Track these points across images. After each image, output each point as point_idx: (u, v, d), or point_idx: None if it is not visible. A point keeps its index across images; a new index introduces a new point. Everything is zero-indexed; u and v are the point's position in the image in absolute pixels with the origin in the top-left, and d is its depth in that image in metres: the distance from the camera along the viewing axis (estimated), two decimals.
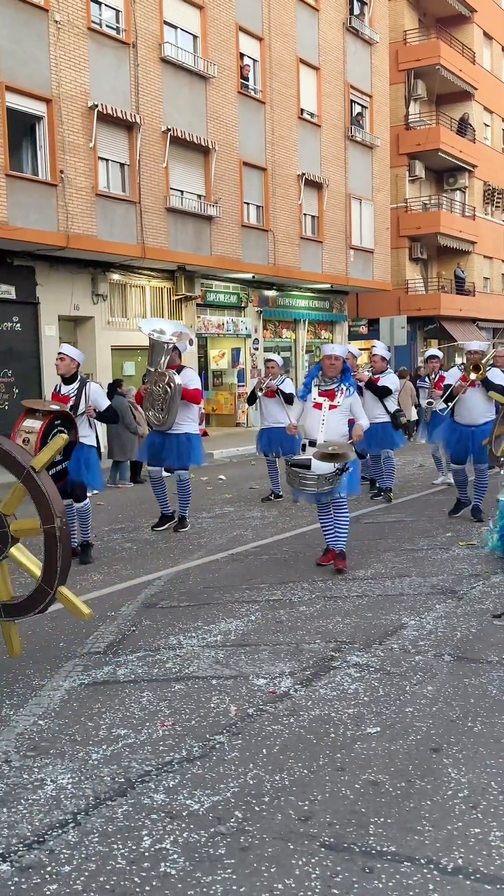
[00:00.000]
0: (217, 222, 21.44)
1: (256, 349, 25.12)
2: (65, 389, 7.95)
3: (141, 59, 18.83)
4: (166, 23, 19.64)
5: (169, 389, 8.88)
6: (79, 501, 7.91)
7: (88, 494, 8.10)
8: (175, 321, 8.92)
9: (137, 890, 2.81)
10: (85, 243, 17.34)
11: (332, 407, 7.04)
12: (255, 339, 25.03)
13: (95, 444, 7.97)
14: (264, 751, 3.83)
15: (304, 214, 25.12)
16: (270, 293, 25.48)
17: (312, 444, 7.02)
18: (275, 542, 8.67)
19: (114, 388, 14.32)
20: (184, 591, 6.77)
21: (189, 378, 9.05)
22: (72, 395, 7.86)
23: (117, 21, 18.45)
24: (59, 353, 7.98)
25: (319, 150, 25.45)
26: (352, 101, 27.06)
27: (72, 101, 17.13)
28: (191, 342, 9.57)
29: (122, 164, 18.80)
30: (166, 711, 4.32)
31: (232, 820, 3.24)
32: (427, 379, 11.88)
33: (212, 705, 4.38)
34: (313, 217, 25.58)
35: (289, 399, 10.65)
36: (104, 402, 7.97)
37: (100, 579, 7.28)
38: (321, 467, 6.85)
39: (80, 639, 5.58)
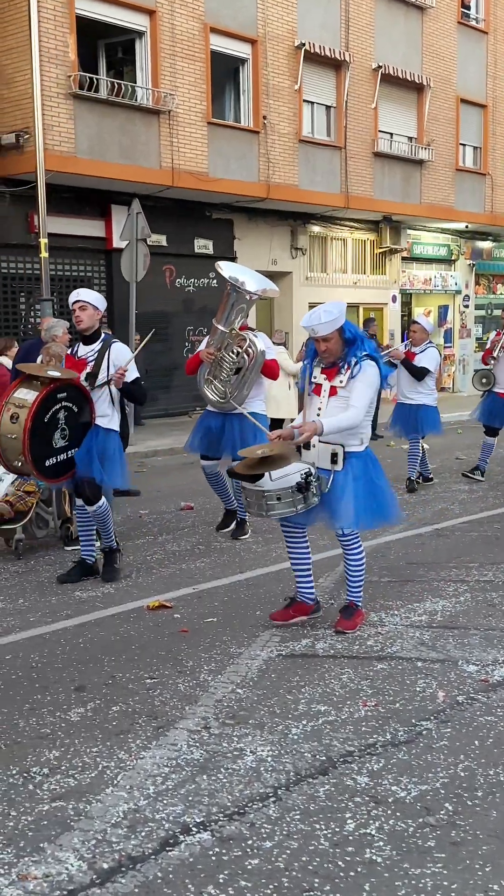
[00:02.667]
0: (428, 167, 20.92)
1: (466, 307, 24.41)
2: (82, 351, 6.31)
3: None
4: None
5: (247, 357, 7.22)
6: (90, 504, 6.27)
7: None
8: (263, 277, 7.47)
9: (342, 874, 2.86)
10: (285, 193, 17.45)
11: (333, 390, 5.12)
12: (466, 295, 24.30)
13: (118, 428, 6.39)
14: (476, 742, 3.77)
15: None
16: (485, 244, 24.60)
17: (305, 444, 5.15)
18: (486, 517, 8.44)
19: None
20: (385, 566, 6.74)
21: (267, 346, 7.45)
22: (91, 358, 6.24)
23: None
24: (77, 301, 6.23)
25: None
26: None
27: (278, 41, 17.19)
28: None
29: (327, 107, 18.72)
30: (368, 691, 4.34)
31: (441, 812, 3.22)
32: None
33: (417, 689, 4.35)
34: None
35: (418, 374, 9.49)
36: (132, 373, 6.25)
37: None
38: (273, 480, 4.99)
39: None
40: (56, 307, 13.76)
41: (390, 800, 3.32)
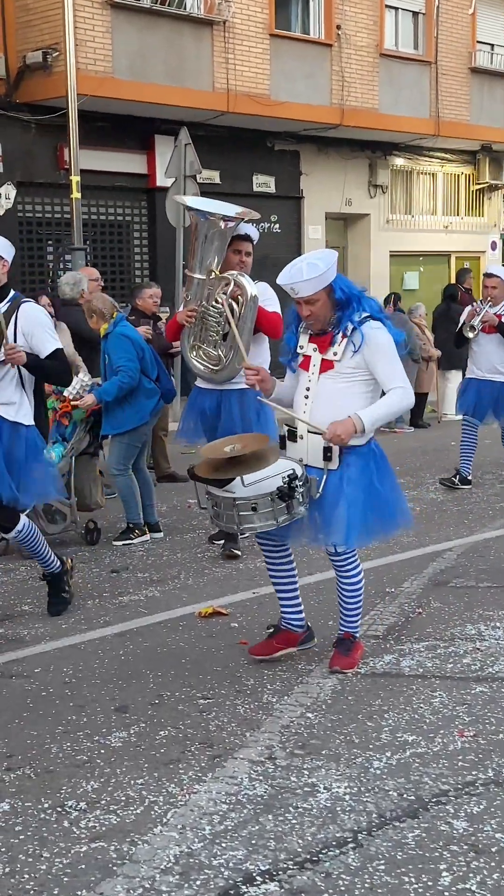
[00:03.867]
0: None
1: None
2: None
3: None
4: None
5: (235, 307, 6.47)
6: (5, 531, 5.67)
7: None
8: (234, 205, 6.87)
9: None
10: (363, 119, 17.29)
11: (325, 365, 4.70)
12: None
13: (31, 421, 5.59)
14: None
15: None
16: None
17: (291, 435, 4.83)
18: None
19: (392, 304, 14.27)
20: (483, 569, 6.70)
21: (266, 296, 6.69)
22: None
23: None
24: None
25: None
26: None
27: None
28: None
29: (414, 14, 18.52)
30: (465, 718, 4.32)
31: None
32: None
33: None
34: None
35: None
36: (48, 343, 5.46)
37: (374, 546, 7.34)
38: (246, 486, 4.55)
39: None
40: (89, 257, 13.85)
41: (493, 849, 3.29)
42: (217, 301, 6.54)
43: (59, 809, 3.59)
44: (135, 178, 15.70)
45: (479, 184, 20.94)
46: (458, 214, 21.02)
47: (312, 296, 4.60)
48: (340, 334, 4.65)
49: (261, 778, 3.80)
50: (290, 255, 19.33)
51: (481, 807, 3.57)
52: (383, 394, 4.75)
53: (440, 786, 3.73)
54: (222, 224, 6.62)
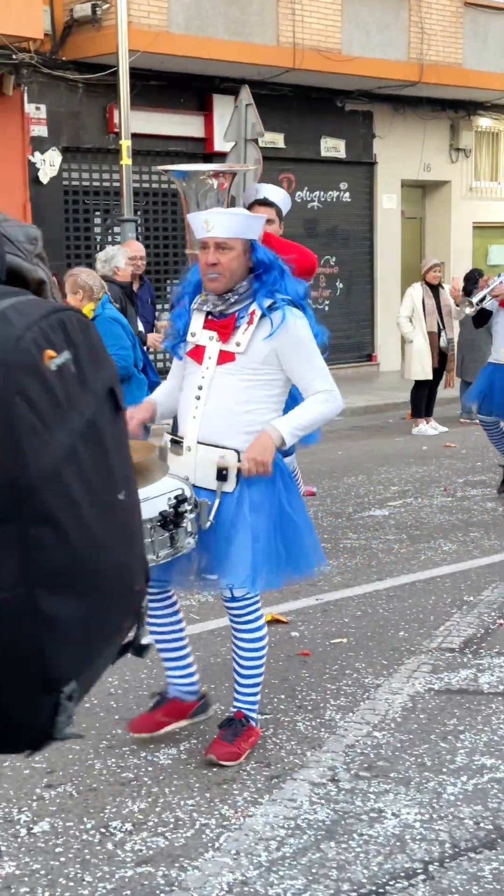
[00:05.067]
0: None
1: None
2: None
3: None
4: None
5: None
6: None
7: None
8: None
9: None
10: (445, 75, 17.18)
11: (223, 357, 4.11)
12: None
13: None
14: None
15: None
16: None
17: (175, 446, 4.20)
18: None
19: (473, 283, 14.15)
20: None
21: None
22: None
23: None
24: None
25: None
26: None
27: None
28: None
29: None
30: None
31: None
32: None
33: None
34: None
35: None
36: None
37: (451, 550, 7.36)
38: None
39: (427, 629, 5.70)
40: (140, 229, 13.95)
41: None
42: None
43: (102, 830, 3.65)
44: (191, 142, 15.77)
45: None
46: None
47: (228, 239, 4.01)
48: (246, 320, 4.05)
49: (322, 801, 3.83)
50: (361, 227, 19.40)
51: None
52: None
53: None
54: (213, 182, 6.44)
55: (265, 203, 6.32)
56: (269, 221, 5.80)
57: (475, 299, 8.40)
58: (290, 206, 6.21)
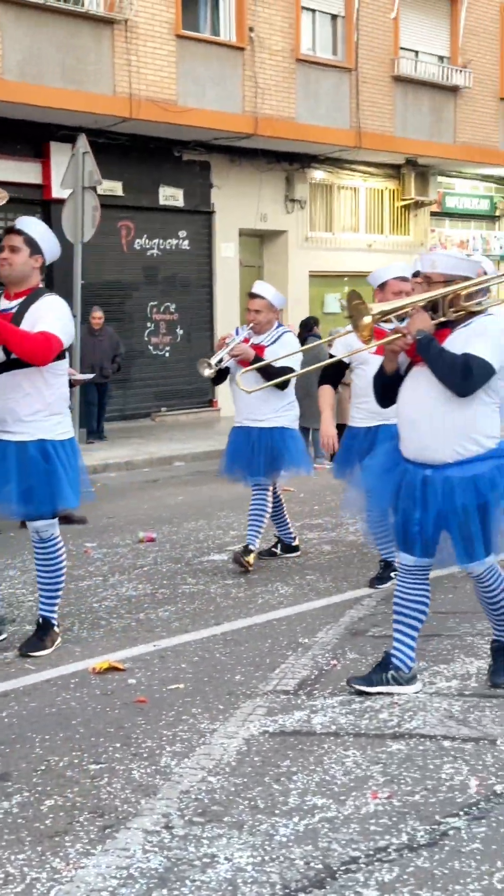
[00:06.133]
0: (465, 95, 21.10)
1: None
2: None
3: None
4: None
5: None
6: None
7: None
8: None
9: None
10: (279, 129, 17.58)
11: None
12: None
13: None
14: None
15: None
16: None
17: None
18: None
19: (308, 329, 14.45)
20: None
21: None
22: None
23: None
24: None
25: None
26: None
27: None
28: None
29: (333, 17, 18.89)
30: (380, 779, 4.37)
31: None
32: None
33: (443, 776, 4.39)
34: None
35: (277, 376, 7.56)
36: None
37: (288, 593, 7.44)
38: None
39: (263, 672, 5.74)
40: None
41: None
42: None
43: None
44: (28, 188, 15.72)
45: (404, 200, 21.38)
46: (382, 232, 21.41)
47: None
48: None
49: (156, 849, 3.82)
50: (200, 275, 19.64)
51: (393, 874, 3.62)
52: None
53: (350, 852, 3.78)
54: None
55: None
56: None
57: (213, 360, 7.92)
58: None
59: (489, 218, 23.94)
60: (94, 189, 13.86)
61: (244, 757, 4.63)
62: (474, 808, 4.11)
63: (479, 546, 5.12)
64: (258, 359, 7.72)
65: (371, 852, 3.78)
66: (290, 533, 8.55)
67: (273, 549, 8.54)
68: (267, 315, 7.97)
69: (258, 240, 19.62)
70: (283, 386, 7.76)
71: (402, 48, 19.93)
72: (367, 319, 5.31)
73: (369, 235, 21.14)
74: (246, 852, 3.79)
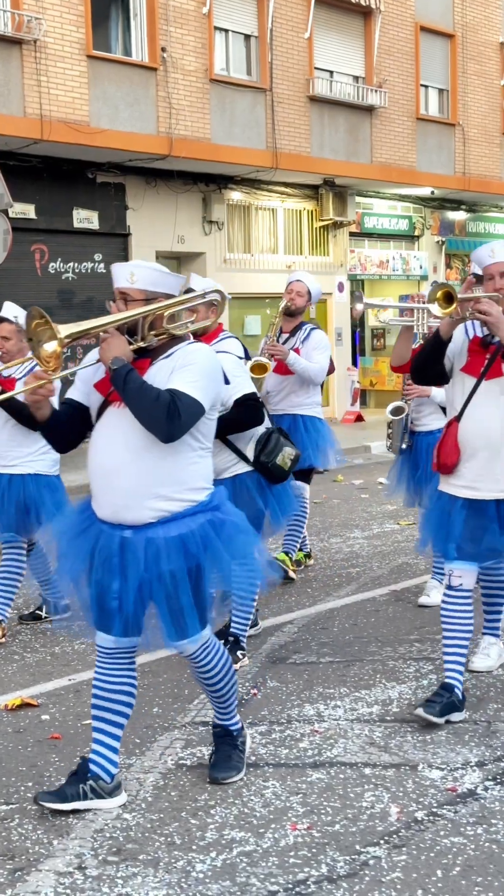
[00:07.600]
0: (381, 115, 21.37)
1: None
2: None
3: None
4: None
5: None
6: None
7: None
8: None
9: None
10: (195, 150, 17.63)
11: None
12: (435, 281, 24.76)
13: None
14: (439, 872, 3.82)
15: None
16: (457, 215, 25.16)
17: None
18: None
19: None
20: (325, 642, 6.80)
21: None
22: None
23: None
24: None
25: None
26: None
27: None
28: None
29: (246, 37, 19.02)
30: (299, 810, 4.36)
31: None
32: None
33: (364, 804, 4.39)
34: None
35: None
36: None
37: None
38: None
39: (181, 703, 5.70)
40: None
41: None
42: None
43: None
44: None
45: (322, 220, 21.52)
46: (301, 253, 21.55)
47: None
48: None
49: (68, 891, 3.76)
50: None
51: None
52: None
53: (269, 886, 3.76)
54: None
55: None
56: None
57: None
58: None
59: (408, 238, 24.20)
60: (5, 212, 13.79)
61: (161, 791, 4.59)
62: (394, 836, 4.12)
63: (193, 619, 4.40)
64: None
65: (290, 885, 3.76)
66: None
67: None
68: (16, 343, 6.91)
69: (176, 262, 19.61)
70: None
71: (316, 68, 20.09)
72: (53, 346, 4.26)
73: (288, 256, 21.25)
74: (161, 891, 3.75)
